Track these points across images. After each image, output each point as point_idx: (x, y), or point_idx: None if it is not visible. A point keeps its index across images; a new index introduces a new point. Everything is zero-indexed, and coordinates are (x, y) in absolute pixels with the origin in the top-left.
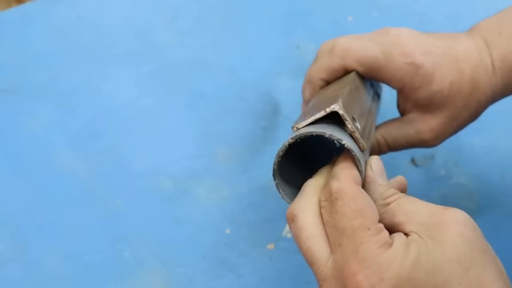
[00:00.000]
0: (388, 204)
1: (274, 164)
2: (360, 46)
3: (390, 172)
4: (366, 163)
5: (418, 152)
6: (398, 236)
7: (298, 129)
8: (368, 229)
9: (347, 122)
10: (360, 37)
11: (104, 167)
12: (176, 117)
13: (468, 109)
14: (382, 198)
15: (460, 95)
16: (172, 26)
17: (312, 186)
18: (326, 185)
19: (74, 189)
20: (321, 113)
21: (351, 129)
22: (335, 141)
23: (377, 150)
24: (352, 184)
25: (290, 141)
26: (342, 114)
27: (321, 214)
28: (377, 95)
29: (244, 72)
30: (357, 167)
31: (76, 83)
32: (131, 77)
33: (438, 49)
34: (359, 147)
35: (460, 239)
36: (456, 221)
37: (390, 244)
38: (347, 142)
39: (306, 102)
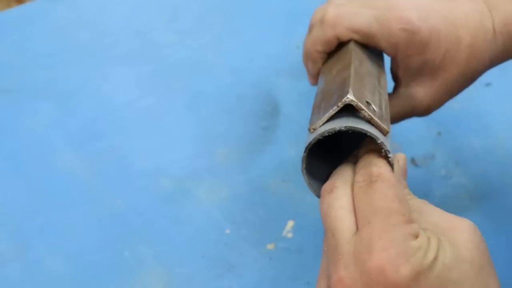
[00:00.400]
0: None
1: (302, 169)
2: (351, 12)
3: None
4: (394, 157)
5: (418, 152)
6: (421, 231)
7: (315, 129)
8: (404, 215)
9: (363, 112)
10: (353, 1)
11: (104, 167)
12: (176, 117)
13: (464, 77)
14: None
15: (456, 63)
16: (172, 26)
17: (348, 168)
18: (364, 168)
19: (74, 189)
20: (335, 109)
21: (368, 116)
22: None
23: None
24: (391, 172)
25: (312, 141)
26: (357, 104)
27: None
28: (382, 56)
29: (244, 72)
30: (386, 154)
31: (76, 83)
32: (131, 77)
33: (437, 13)
34: (381, 131)
35: (472, 245)
36: (468, 229)
37: (417, 236)
38: (370, 130)
39: (312, 75)
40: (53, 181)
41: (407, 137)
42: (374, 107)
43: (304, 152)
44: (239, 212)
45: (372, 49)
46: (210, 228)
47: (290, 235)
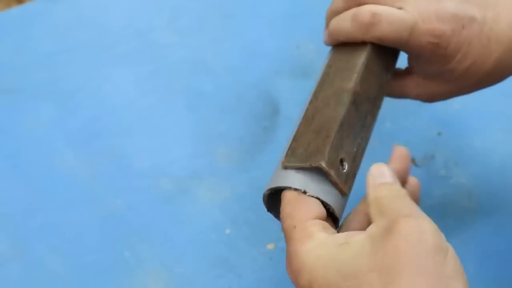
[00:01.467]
0: (382, 197)
1: (264, 202)
2: (393, 16)
3: None
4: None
5: (418, 152)
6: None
7: (286, 168)
8: (294, 227)
9: (330, 177)
10: None
11: (104, 167)
12: (176, 117)
13: (481, 85)
14: (385, 192)
15: (477, 74)
16: (172, 26)
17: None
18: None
19: (74, 189)
20: (306, 165)
21: (334, 181)
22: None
23: None
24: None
25: (266, 192)
26: (326, 171)
27: None
28: (396, 57)
29: (244, 72)
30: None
31: (76, 83)
32: (131, 77)
33: (474, 24)
34: (341, 193)
35: (394, 250)
36: (404, 234)
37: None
38: (327, 196)
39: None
40: (53, 181)
41: (407, 137)
42: (346, 164)
43: (264, 198)
44: (239, 212)
45: (386, 64)
46: (210, 228)
47: None
